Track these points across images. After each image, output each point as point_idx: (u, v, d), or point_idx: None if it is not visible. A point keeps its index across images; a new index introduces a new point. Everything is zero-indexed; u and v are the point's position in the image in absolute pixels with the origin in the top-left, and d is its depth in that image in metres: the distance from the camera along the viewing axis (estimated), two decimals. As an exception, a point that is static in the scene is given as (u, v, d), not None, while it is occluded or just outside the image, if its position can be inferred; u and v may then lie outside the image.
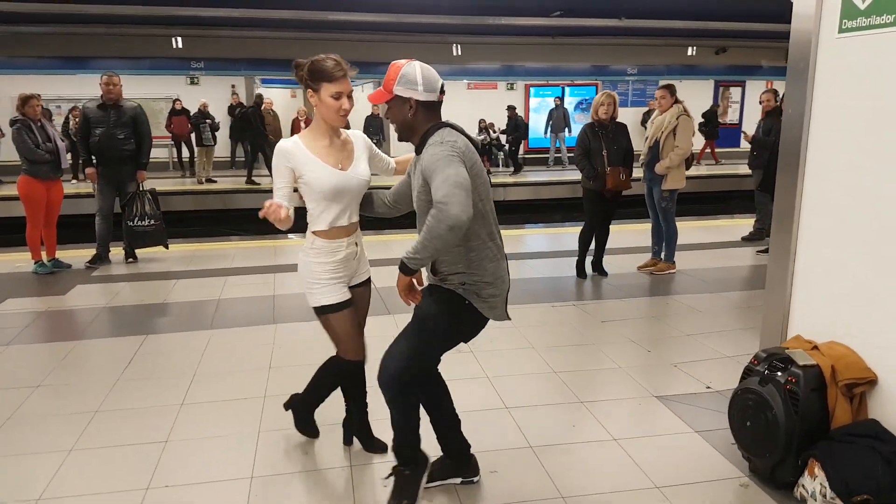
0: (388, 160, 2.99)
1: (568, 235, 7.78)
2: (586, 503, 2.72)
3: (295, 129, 14.04)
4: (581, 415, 3.48)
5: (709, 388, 3.78)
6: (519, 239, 8.32)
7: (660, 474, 2.90)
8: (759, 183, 7.11)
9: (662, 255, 6.38)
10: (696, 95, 19.80)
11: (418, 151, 2.43)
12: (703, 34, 17.15)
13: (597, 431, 3.29)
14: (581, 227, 6.27)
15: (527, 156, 18.47)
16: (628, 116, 19.23)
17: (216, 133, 14.09)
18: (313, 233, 2.70)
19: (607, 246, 6.32)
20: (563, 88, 19.20)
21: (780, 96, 6.80)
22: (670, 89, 6.11)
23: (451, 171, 2.20)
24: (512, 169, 16.47)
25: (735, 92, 20.52)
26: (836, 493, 2.45)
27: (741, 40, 18.20)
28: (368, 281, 2.96)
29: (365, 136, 2.87)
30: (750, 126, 8.88)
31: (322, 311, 2.73)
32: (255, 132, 13.78)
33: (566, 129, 17.32)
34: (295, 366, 4.00)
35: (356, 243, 2.80)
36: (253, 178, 13.87)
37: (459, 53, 17.45)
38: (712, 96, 20.16)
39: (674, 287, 5.97)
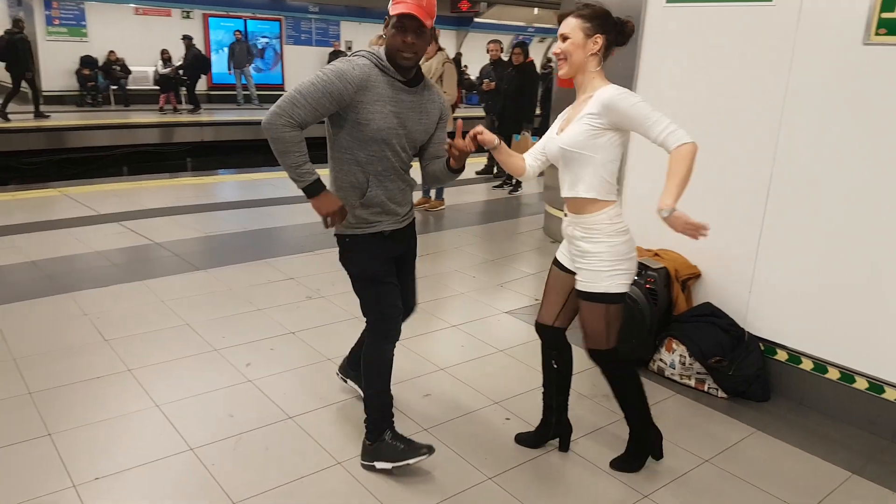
0: (661, 132, 2.38)
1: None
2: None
3: None
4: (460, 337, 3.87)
5: (537, 299, 4.47)
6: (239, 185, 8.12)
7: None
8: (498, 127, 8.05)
9: (432, 194, 6.94)
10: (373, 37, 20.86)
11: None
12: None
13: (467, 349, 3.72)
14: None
15: (211, 92, 17.44)
16: (313, 56, 19.43)
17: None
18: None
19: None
20: (245, 21, 18.38)
21: (506, 47, 7.71)
22: (434, 38, 6.55)
23: None
24: (191, 106, 15.40)
25: (407, 37, 21.93)
26: (695, 358, 3.29)
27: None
28: (582, 294, 2.47)
29: (621, 104, 2.25)
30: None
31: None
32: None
33: (250, 64, 16.75)
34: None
35: (569, 228, 2.50)
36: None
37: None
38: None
39: (457, 220, 6.62)
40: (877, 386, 2.95)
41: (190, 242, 5.46)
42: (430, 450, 2.53)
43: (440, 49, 6.55)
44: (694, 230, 2.11)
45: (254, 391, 3.16)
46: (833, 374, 3.09)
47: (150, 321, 3.86)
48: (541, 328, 2.67)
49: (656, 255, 3.62)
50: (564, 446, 2.78)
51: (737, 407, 3.20)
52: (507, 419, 3.01)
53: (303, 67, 19.23)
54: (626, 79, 3.63)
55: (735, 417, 3.11)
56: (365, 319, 2.59)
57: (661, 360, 3.45)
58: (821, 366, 3.13)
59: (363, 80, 2.32)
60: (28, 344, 3.50)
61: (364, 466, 2.60)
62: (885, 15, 2.74)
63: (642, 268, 3.48)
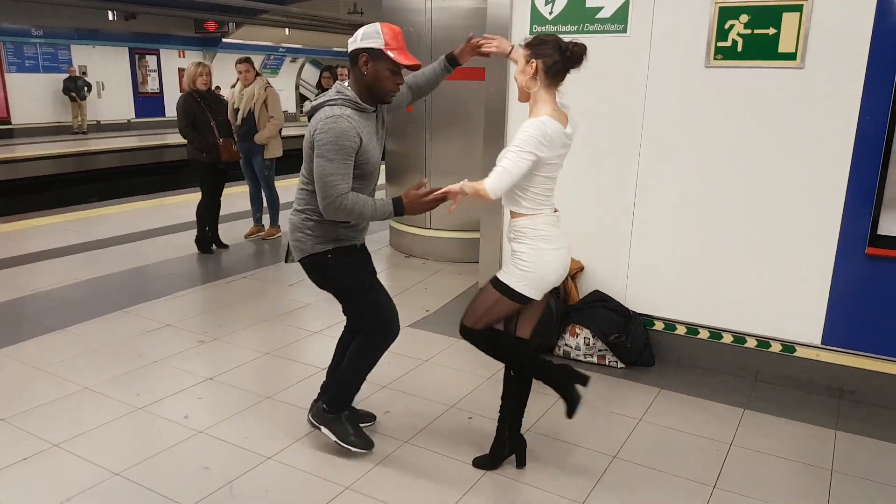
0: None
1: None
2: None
3: None
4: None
5: (427, 310, 4.75)
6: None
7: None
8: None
9: (264, 221, 6.80)
10: (111, 62, 19.13)
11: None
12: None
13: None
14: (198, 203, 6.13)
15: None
16: (42, 84, 17.26)
17: None
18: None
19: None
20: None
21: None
22: (251, 62, 6.46)
23: None
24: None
25: (152, 60, 20.50)
26: (598, 338, 3.84)
27: (151, 7, 18.23)
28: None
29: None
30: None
31: None
32: None
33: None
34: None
35: None
36: None
37: None
38: (129, 63, 19.74)
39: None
40: (740, 338, 3.75)
41: (26, 300, 4.76)
42: (369, 447, 2.88)
43: (258, 75, 6.48)
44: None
45: (212, 441, 3.00)
46: (704, 335, 3.85)
47: (43, 391, 3.39)
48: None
49: (549, 254, 4.12)
50: (521, 462, 2.84)
51: (634, 374, 3.81)
52: (470, 418, 3.26)
53: (31, 97, 17.04)
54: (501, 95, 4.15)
55: (640, 382, 3.71)
56: (361, 327, 2.88)
57: (566, 344, 3.95)
58: (693, 329, 3.87)
59: (358, 128, 2.52)
60: None
61: (311, 424, 3.01)
62: (720, 44, 3.52)
63: (542, 267, 3.96)
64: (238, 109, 6.37)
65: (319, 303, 4.91)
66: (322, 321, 4.48)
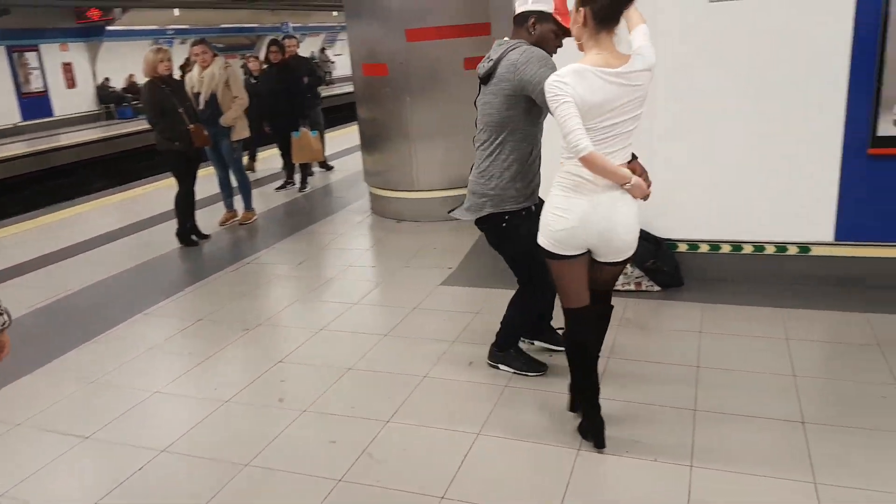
0: None
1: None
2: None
3: None
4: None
5: (450, 268, 4.86)
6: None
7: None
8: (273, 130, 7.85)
9: (237, 208, 6.64)
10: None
11: None
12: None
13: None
14: (176, 193, 5.90)
15: None
16: None
17: None
18: None
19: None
20: None
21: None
22: (207, 43, 6.21)
23: None
24: None
25: (32, 57, 18.96)
26: (635, 265, 4.10)
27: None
28: None
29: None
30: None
31: None
32: None
33: None
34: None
35: None
36: None
37: None
38: (7, 63, 18.20)
39: (289, 224, 6.48)
40: (759, 247, 4.10)
41: None
42: (543, 368, 3.27)
43: (216, 55, 6.24)
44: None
45: (321, 417, 3.05)
46: (726, 249, 4.18)
47: (119, 401, 3.30)
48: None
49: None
50: (600, 443, 2.66)
51: (672, 294, 4.10)
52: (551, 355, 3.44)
53: None
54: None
55: (681, 300, 4.00)
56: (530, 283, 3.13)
57: (614, 277, 4.19)
58: (715, 245, 4.20)
59: None
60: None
61: (490, 365, 3.35)
62: (722, -20, 3.77)
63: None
64: (199, 94, 6.13)
65: (341, 276, 4.94)
66: (356, 293, 4.53)
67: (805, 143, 3.86)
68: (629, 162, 2.48)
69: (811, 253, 4.02)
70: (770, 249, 4.09)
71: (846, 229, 3.92)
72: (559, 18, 2.72)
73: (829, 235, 3.96)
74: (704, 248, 4.24)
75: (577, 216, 2.42)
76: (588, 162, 2.30)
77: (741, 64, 3.86)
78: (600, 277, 2.64)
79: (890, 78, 3.59)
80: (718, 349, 3.39)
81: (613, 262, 2.58)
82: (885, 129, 3.69)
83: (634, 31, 2.44)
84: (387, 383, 3.30)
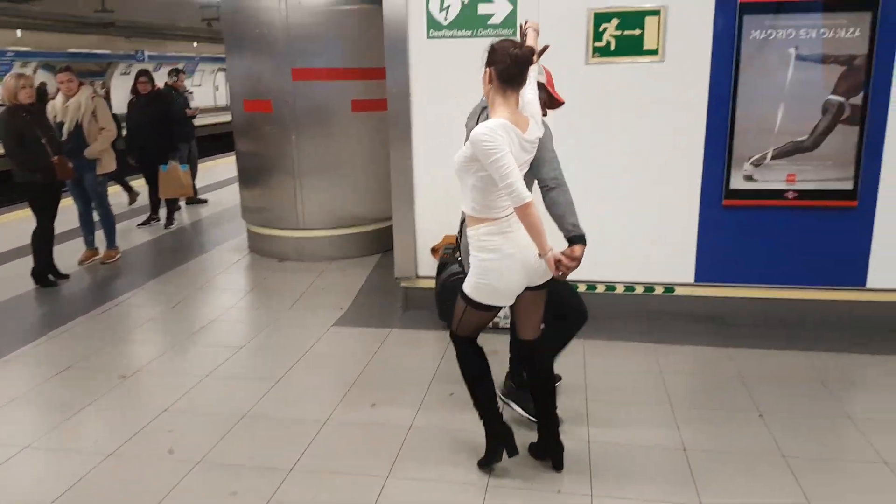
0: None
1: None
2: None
3: None
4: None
5: (342, 308, 4.84)
6: None
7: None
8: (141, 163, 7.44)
9: (99, 247, 6.20)
10: None
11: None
12: None
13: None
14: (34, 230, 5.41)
15: None
16: None
17: None
18: None
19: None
20: None
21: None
22: (72, 71, 5.84)
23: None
24: None
25: None
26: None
27: None
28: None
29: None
30: None
31: None
32: None
33: None
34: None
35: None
36: None
37: None
38: None
39: (160, 264, 6.14)
40: (630, 287, 4.47)
41: None
42: None
43: (81, 83, 5.89)
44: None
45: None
46: (601, 289, 4.51)
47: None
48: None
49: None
50: (559, 465, 2.83)
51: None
52: (451, 394, 3.52)
53: None
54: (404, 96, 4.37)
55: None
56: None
57: (494, 316, 4.37)
58: (591, 285, 4.50)
59: None
60: None
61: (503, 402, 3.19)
62: (597, 44, 4.14)
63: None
64: (62, 123, 5.73)
65: (222, 318, 4.76)
66: (241, 336, 4.40)
67: (669, 196, 4.29)
68: (570, 245, 2.64)
69: (675, 293, 4.44)
70: (639, 290, 4.47)
71: (704, 271, 4.38)
72: (550, 90, 2.93)
73: (690, 277, 4.40)
74: (582, 287, 4.54)
75: (514, 269, 2.56)
76: (527, 211, 2.40)
77: (614, 126, 4.25)
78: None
79: (739, 140, 4.11)
80: (603, 376, 3.64)
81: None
82: (737, 183, 4.20)
83: (529, 90, 2.66)
84: (285, 430, 3.22)
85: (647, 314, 4.47)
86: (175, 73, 8.54)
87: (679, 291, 4.44)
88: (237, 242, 6.70)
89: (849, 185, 4.04)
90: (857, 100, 3.90)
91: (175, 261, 6.21)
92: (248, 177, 6.30)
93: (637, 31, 4.10)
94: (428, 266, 4.65)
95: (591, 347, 4.06)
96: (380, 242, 6.20)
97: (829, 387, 3.56)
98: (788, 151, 4.07)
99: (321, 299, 5.05)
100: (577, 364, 3.84)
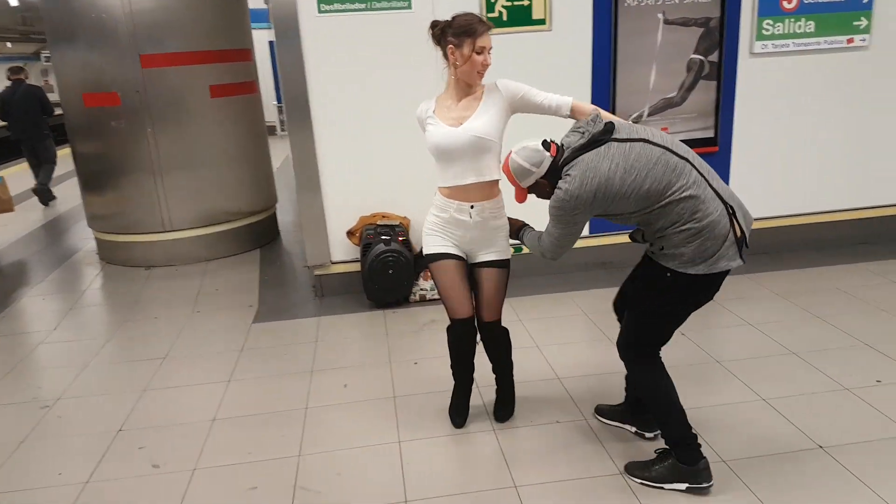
0: (551, 99, 2.67)
1: None
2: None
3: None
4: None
5: (251, 305, 4.53)
6: None
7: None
8: None
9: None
10: None
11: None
12: None
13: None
14: None
15: None
16: None
17: None
18: (438, 187, 2.65)
19: None
20: None
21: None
22: None
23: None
24: None
25: None
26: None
27: None
28: (497, 263, 2.65)
29: (514, 84, 2.68)
30: None
31: (425, 261, 2.68)
32: None
33: None
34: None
35: (480, 215, 2.59)
36: None
37: None
38: None
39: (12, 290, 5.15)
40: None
41: None
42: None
43: None
44: None
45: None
46: (512, 250, 4.74)
47: None
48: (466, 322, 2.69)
49: (383, 216, 4.44)
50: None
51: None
52: (416, 363, 3.52)
53: None
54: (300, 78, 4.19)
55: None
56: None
57: (421, 288, 4.41)
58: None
59: None
60: None
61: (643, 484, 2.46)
62: (490, 15, 4.31)
63: (389, 228, 4.30)
64: None
65: (123, 333, 4.25)
66: (160, 346, 3.97)
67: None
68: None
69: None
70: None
71: (595, 224, 4.79)
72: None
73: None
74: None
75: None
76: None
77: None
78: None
79: (621, 100, 4.55)
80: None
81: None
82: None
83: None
84: (270, 423, 3.04)
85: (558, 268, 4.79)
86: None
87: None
88: (85, 255, 5.92)
89: (711, 133, 4.68)
90: (714, 58, 4.53)
91: (19, 282, 5.34)
92: (95, 180, 5.58)
93: (526, 2, 4.35)
94: (342, 251, 4.55)
95: (519, 304, 4.29)
96: (257, 237, 5.88)
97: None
98: (661, 108, 4.60)
99: (223, 301, 4.69)
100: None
